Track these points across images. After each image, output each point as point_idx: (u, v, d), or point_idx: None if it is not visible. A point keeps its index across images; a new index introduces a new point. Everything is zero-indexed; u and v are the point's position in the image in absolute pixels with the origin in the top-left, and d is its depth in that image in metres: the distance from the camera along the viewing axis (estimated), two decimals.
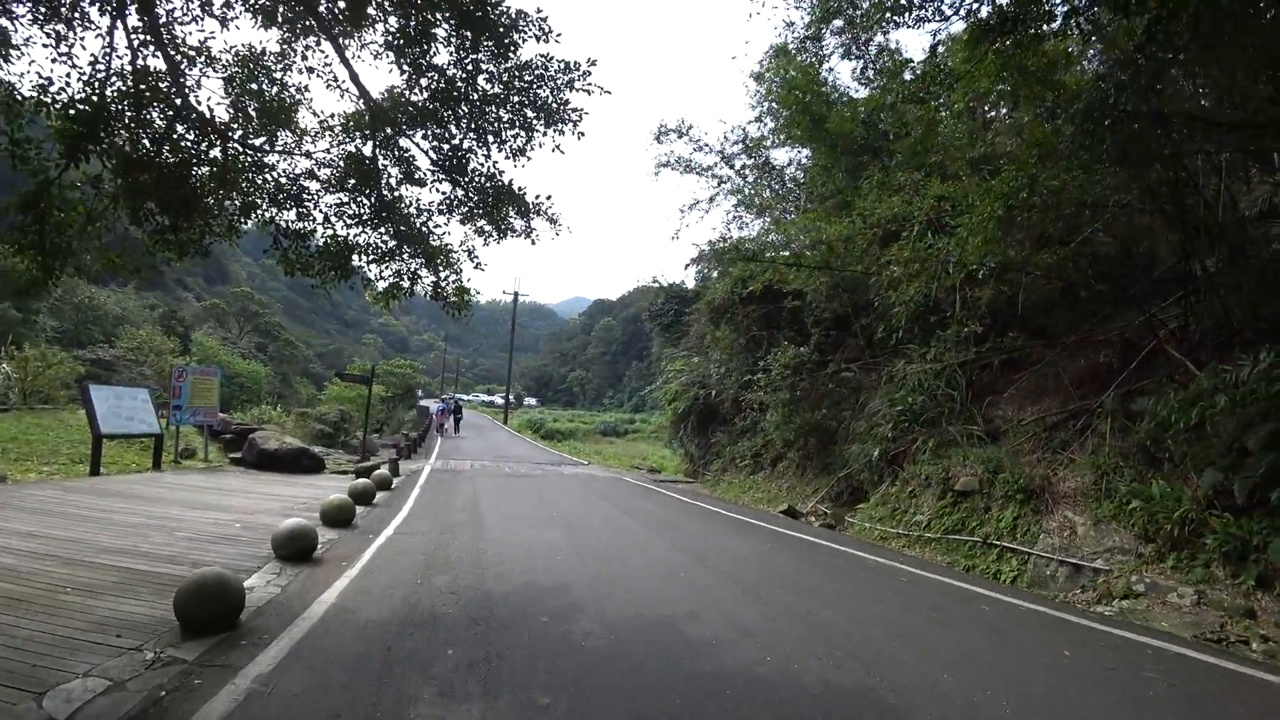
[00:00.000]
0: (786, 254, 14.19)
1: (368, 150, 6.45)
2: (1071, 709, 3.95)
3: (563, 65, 5.69)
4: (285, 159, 6.46)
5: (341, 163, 6.51)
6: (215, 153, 5.98)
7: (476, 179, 6.32)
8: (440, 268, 6.79)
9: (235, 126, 6.07)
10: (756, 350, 17.45)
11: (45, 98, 5.04)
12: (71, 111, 4.99)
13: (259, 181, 6.40)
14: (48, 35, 5.10)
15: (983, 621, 5.76)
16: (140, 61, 5.16)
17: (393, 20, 5.84)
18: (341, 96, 6.31)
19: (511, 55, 5.74)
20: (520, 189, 6.28)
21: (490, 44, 5.67)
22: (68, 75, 5.14)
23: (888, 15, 9.97)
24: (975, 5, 8.45)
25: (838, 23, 15.45)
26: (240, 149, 6.17)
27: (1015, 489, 8.86)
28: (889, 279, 11.69)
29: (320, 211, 6.56)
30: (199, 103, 5.65)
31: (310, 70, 6.17)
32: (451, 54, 5.86)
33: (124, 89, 5.18)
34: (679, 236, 77.64)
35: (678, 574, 6.85)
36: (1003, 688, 4.15)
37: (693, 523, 11.02)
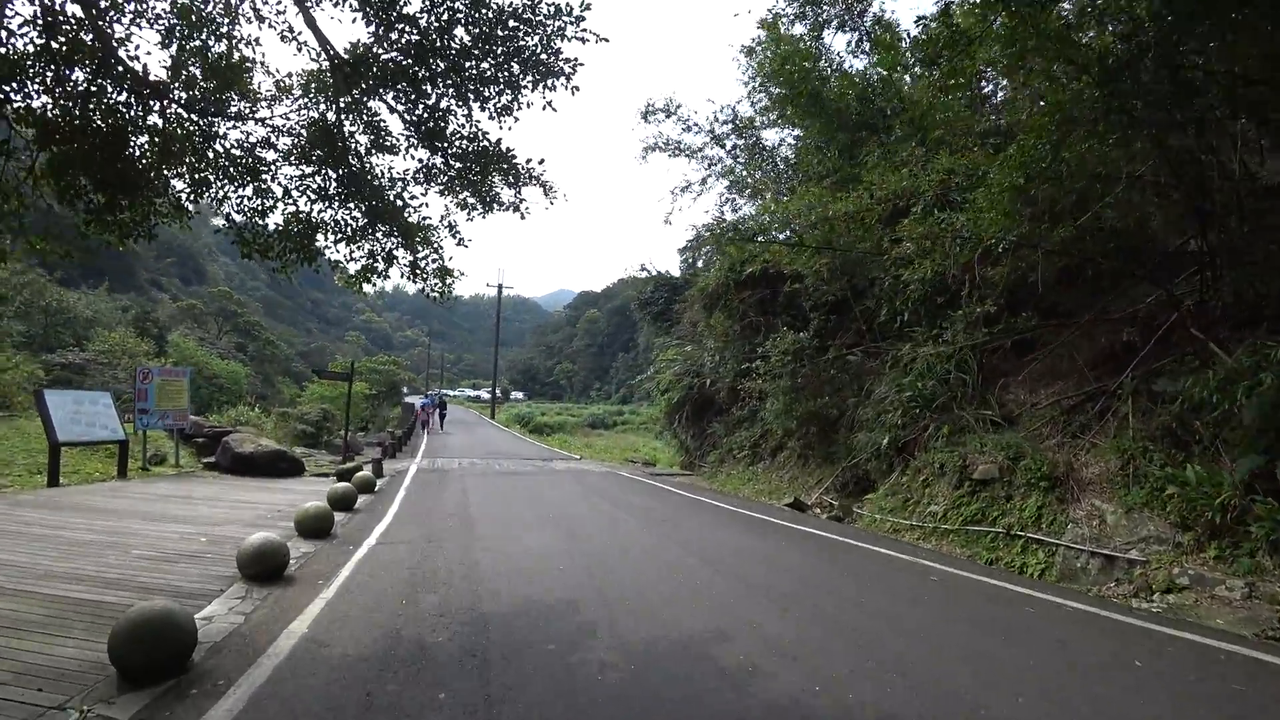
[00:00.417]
0: (786, 234, 13.53)
1: (332, 116, 5.68)
2: None
3: (552, 8, 4.93)
4: (238, 126, 5.67)
5: (303, 130, 5.74)
6: (155, 119, 5.20)
7: (457, 143, 5.56)
8: (419, 246, 6.05)
9: (176, 88, 5.28)
10: (753, 337, 16.91)
11: None
12: None
13: (209, 155, 5.61)
14: None
15: (1038, 629, 5.17)
16: (51, 2, 4.36)
17: None
18: (299, 51, 5.52)
19: (491, 1, 5.00)
20: (509, 150, 5.51)
21: None
22: None
23: None
24: None
25: None
26: (185, 114, 5.38)
27: (1038, 476, 8.40)
28: (899, 257, 11.08)
29: (279, 185, 5.80)
30: (132, 60, 4.86)
31: (261, 19, 5.36)
32: (424, 2, 5.09)
33: (35, 41, 4.38)
34: (670, 221, 77.25)
35: (694, 582, 6.19)
36: (1096, 715, 3.55)
37: (699, 520, 10.39)
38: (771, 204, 14.42)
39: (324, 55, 5.44)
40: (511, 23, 5.00)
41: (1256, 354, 6.69)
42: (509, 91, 5.20)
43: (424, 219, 6.07)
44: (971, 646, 4.65)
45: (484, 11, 5.01)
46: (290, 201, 5.83)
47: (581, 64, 5.12)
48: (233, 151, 5.66)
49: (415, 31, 5.12)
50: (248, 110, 5.63)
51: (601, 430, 47.56)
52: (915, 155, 13.18)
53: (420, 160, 5.82)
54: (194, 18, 5.01)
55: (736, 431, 17.77)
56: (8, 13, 4.34)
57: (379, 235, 6.02)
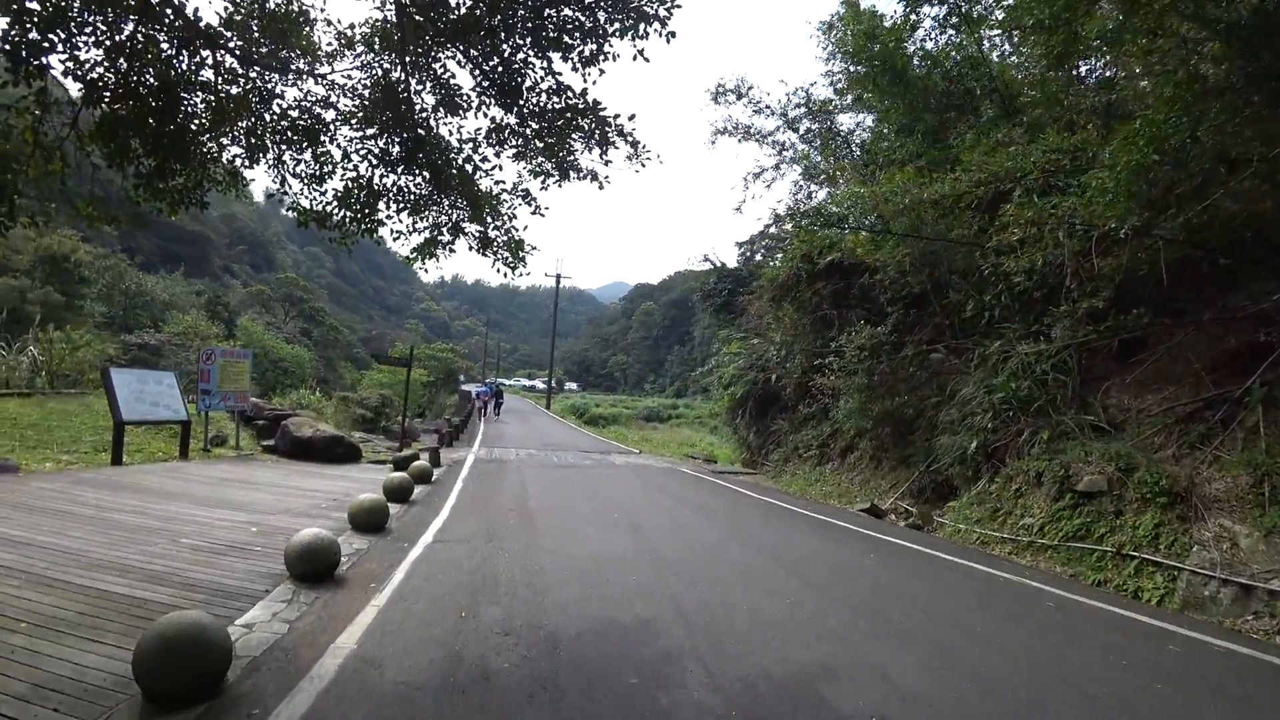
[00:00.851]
0: (870, 221, 12.58)
1: (397, 73, 5.13)
2: None
3: None
4: (296, 84, 5.18)
5: (365, 90, 5.21)
6: (209, 74, 4.74)
7: (534, 97, 4.93)
8: (489, 217, 5.46)
9: (231, 38, 4.81)
10: (825, 330, 16.00)
11: None
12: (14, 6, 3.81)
13: (265, 116, 5.14)
14: None
15: (1192, 675, 4.40)
16: None
17: None
18: None
19: None
20: (596, 102, 4.82)
21: None
22: None
23: None
24: None
25: None
26: (241, 69, 4.91)
27: (1154, 491, 7.49)
28: (1000, 245, 10.06)
29: (338, 148, 5.29)
30: (182, 3, 4.40)
31: None
32: None
33: None
34: (741, 209, 76.48)
35: (785, 600, 5.46)
36: None
37: (773, 525, 9.63)
38: (857, 187, 13.44)
39: (390, 2, 4.89)
40: None
41: None
42: (594, 40, 4.54)
43: (497, 184, 5.48)
44: (1128, 699, 3.81)
45: None
46: (350, 166, 5.34)
47: (679, 5, 4.40)
48: (290, 112, 5.18)
49: None
50: (307, 66, 5.14)
51: (656, 423, 47.27)
52: (1013, 136, 12.09)
53: (493, 119, 5.23)
54: None
55: (803, 429, 16.92)
56: None
57: (445, 205, 5.47)
